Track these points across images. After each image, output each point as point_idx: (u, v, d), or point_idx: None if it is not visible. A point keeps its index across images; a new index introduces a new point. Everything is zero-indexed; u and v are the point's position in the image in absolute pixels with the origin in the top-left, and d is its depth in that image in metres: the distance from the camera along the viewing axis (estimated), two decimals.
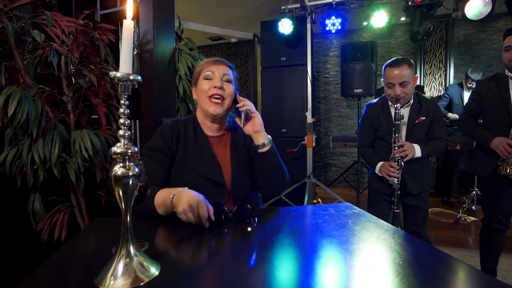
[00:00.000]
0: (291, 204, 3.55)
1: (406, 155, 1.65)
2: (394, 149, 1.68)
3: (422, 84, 4.48)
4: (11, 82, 1.45)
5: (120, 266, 0.56)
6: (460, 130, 3.54)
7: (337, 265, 0.66)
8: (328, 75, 5.08)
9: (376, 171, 1.78)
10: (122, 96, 0.58)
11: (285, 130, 3.92)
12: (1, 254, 1.60)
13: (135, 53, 1.91)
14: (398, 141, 1.69)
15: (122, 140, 0.59)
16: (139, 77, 0.60)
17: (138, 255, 0.59)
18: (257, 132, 1.06)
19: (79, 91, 1.61)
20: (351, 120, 4.94)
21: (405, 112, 1.76)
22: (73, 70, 1.59)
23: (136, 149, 0.60)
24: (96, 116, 1.76)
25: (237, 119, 1.11)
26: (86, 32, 1.58)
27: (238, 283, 0.59)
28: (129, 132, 0.59)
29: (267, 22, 3.97)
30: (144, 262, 0.60)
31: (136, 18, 1.94)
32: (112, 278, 0.55)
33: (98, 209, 1.69)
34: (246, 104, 1.06)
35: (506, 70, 1.82)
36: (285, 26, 3.42)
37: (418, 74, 4.50)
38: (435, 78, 4.49)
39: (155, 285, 0.58)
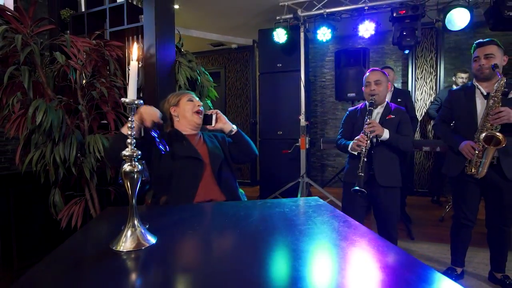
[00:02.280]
0: None
1: (373, 130, 1.84)
2: (365, 126, 1.88)
3: (410, 89, 4.67)
4: (35, 93, 1.70)
5: (129, 234, 0.81)
6: (435, 134, 3.73)
7: (287, 239, 0.89)
8: (324, 79, 5.30)
9: (349, 149, 1.96)
10: (130, 115, 0.82)
11: (281, 132, 4.16)
12: (27, 240, 1.88)
13: (140, 66, 2.16)
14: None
15: (130, 146, 0.83)
16: (142, 101, 0.84)
17: (141, 226, 0.83)
18: (225, 123, 1.59)
19: (91, 100, 1.86)
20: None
21: (378, 110, 2.00)
22: (86, 83, 1.85)
23: (139, 152, 0.84)
24: (105, 121, 2.02)
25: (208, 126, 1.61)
26: (98, 49, 1.83)
27: (215, 254, 0.83)
28: (135, 141, 0.83)
29: (264, 30, 4.20)
30: (145, 233, 0.84)
31: (141, 34, 2.20)
32: (123, 242, 0.79)
33: (108, 202, 1.94)
34: (214, 111, 1.60)
35: (474, 80, 2.02)
36: (280, 36, 3.65)
37: (409, 80, 4.70)
38: (426, 83, 4.68)
39: (152, 249, 0.82)
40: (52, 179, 1.61)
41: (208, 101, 2.43)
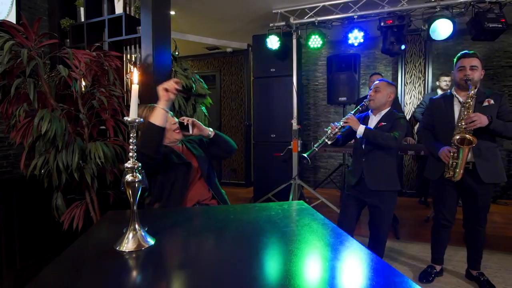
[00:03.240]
0: None
1: (347, 122, 2.03)
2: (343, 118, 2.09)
3: (400, 93, 4.82)
4: (38, 102, 1.81)
5: (130, 236, 0.92)
6: (419, 140, 3.88)
7: (270, 240, 1.02)
8: (317, 83, 5.43)
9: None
10: (132, 132, 0.93)
11: (274, 135, 4.28)
12: (29, 241, 1.98)
13: (132, 69, 2.27)
14: None
15: (131, 159, 0.95)
16: (142, 119, 0.95)
17: (141, 230, 0.95)
18: (202, 130, 1.67)
19: (91, 109, 1.97)
20: None
21: (376, 118, 2.16)
22: (86, 92, 1.96)
23: (140, 164, 0.95)
24: (104, 127, 2.13)
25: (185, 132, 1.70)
26: (98, 60, 1.94)
27: (208, 253, 0.95)
28: (136, 155, 0.95)
29: (258, 36, 4.32)
30: (145, 235, 0.95)
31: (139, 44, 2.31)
32: (126, 242, 0.91)
33: (107, 205, 2.05)
34: (190, 118, 1.67)
35: (454, 89, 2.16)
36: (273, 42, 3.78)
37: (399, 85, 4.85)
38: (415, 87, 4.84)
39: (152, 249, 0.94)
40: (55, 184, 1.72)
41: (203, 107, 2.55)
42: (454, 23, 3.04)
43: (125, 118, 0.93)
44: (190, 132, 1.66)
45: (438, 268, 2.30)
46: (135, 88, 0.93)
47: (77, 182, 1.87)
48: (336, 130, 2.03)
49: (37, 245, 2.14)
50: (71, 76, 1.75)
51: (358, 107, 2.12)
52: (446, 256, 2.38)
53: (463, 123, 1.93)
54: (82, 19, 2.53)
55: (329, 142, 2.06)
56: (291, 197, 3.65)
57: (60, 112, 1.68)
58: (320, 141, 2.03)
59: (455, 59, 2.14)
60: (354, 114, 2.11)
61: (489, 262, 2.48)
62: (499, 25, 2.91)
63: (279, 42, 3.78)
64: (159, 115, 1.38)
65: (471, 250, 2.20)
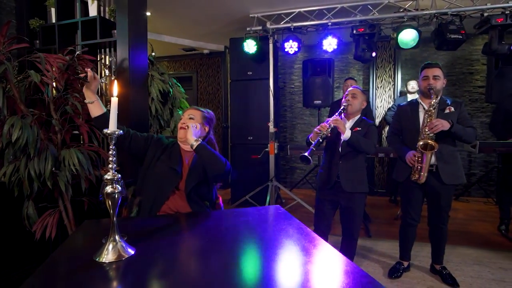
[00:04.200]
0: (255, 205, 3.97)
1: (337, 123, 2.01)
2: (330, 119, 2.07)
3: (371, 97, 5.05)
4: (7, 108, 1.74)
5: (110, 247, 0.94)
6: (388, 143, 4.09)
7: (248, 246, 1.06)
8: (293, 86, 5.55)
9: (309, 138, 2.13)
10: (111, 145, 0.94)
11: (251, 138, 4.34)
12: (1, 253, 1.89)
13: (112, 78, 2.24)
14: None
15: (111, 171, 0.96)
16: (122, 131, 0.97)
17: (121, 241, 0.96)
18: (187, 138, 1.57)
19: (65, 114, 1.92)
20: (314, 127, 5.42)
21: (349, 123, 2.22)
22: (59, 97, 1.90)
23: (119, 176, 0.97)
24: (77, 132, 2.08)
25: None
26: (71, 64, 1.89)
27: (188, 261, 0.98)
28: (115, 166, 0.96)
29: (235, 39, 4.35)
30: (125, 246, 0.97)
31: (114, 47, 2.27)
32: (105, 254, 0.92)
33: (81, 213, 2.00)
34: (189, 121, 1.67)
35: (419, 96, 2.31)
36: (250, 46, 3.83)
37: (371, 89, 5.07)
38: (385, 91, 5.07)
39: (131, 260, 0.95)
40: (26, 193, 1.66)
41: (180, 112, 2.55)
42: (419, 32, 3.23)
43: (105, 130, 0.94)
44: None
45: (405, 264, 2.45)
46: (114, 101, 0.94)
47: (49, 190, 1.82)
48: (328, 129, 2.01)
49: (9, 257, 2.05)
50: (43, 81, 1.70)
51: (341, 110, 2.16)
52: (413, 252, 2.54)
53: (427, 129, 2.08)
54: (53, 20, 2.44)
55: (321, 140, 2.03)
56: (268, 199, 3.72)
57: (31, 119, 1.63)
58: (316, 142, 2.00)
59: (420, 69, 2.29)
60: (337, 114, 2.11)
61: (451, 256, 2.67)
62: (460, 36, 3.13)
63: (256, 46, 3.84)
64: (91, 109, 1.55)
65: (435, 246, 2.37)
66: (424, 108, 2.21)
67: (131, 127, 1.69)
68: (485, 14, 3.23)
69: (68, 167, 1.69)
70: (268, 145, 3.90)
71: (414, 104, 2.31)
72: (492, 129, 3.34)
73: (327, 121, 2.06)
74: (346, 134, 2.05)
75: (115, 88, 0.96)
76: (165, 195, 1.57)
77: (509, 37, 3.84)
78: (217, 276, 0.85)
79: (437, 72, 2.16)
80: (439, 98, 2.14)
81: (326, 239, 2.29)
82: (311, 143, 2.08)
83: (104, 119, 1.52)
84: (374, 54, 3.46)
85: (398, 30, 3.31)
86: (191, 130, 1.59)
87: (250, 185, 4.11)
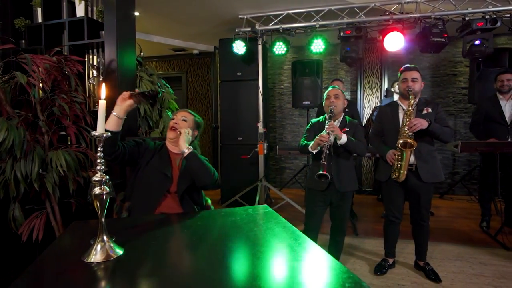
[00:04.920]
0: (245, 205, 4.00)
1: (334, 131, 2.06)
2: (326, 127, 2.11)
3: (359, 98, 5.14)
4: None
5: (99, 247, 0.95)
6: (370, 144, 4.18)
7: (235, 245, 1.09)
8: (282, 86, 5.60)
9: (309, 148, 2.17)
10: (99, 147, 0.96)
11: (241, 138, 4.36)
12: None
13: (100, 79, 2.23)
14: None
15: (99, 172, 0.97)
16: (109, 134, 0.98)
17: (109, 241, 0.98)
18: (179, 144, 1.60)
19: (52, 115, 1.91)
20: (303, 127, 5.49)
21: (336, 123, 2.26)
22: (46, 98, 1.89)
23: (108, 177, 0.98)
24: (65, 133, 2.07)
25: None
26: (58, 65, 1.89)
27: (176, 260, 1.00)
28: (103, 168, 0.98)
29: (225, 40, 4.37)
30: (113, 246, 0.98)
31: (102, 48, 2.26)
32: (93, 254, 0.94)
33: (69, 215, 1.99)
34: (181, 127, 1.67)
35: (398, 98, 2.39)
36: (239, 47, 3.85)
37: (358, 89, 5.16)
38: (372, 92, 5.17)
39: (120, 259, 0.97)
40: (12, 195, 1.65)
41: (169, 113, 2.55)
42: (403, 36, 3.32)
43: (93, 132, 0.96)
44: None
45: (390, 261, 2.52)
46: (102, 104, 0.95)
47: (36, 191, 1.81)
48: (330, 138, 2.06)
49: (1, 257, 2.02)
50: (29, 83, 1.69)
51: (331, 115, 2.19)
52: (398, 249, 2.62)
53: (406, 129, 2.15)
54: (39, 20, 2.41)
55: (327, 152, 2.08)
56: (257, 199, 3.75)
57: (17, 120, 1.62)
58: (324, 155, 2.04)
59: (399, 73, 2.36)
60: (330, 120, 2.15)
61: (434, 253, 2.76)
62: (442, 40, 3.24)
63: (245, 47, 3.87)
64: (111, 122, 1.48)
65: (418, 243, 2.44)
66: (403, 109, 2.28)
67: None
68: (467, 18, 3.34)
69: (55, 168, 1.68)
70: (258, 145, 3.93)
71: (394, 105, 2.39)
72: (472, 130, 3.45)
73: (325, 130, 2.09)
74: (343, 139, 2.11)
75: (103, 91, 0.97)
76: (156, 199, 1.57)
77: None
78: (206, 275, 0.88)
79: (415, 74, 2.24)
80: (417, 99, 2.23)
81: (316, 237, 2.35)
82: (311, 152, 2.16)
83: (113, 136, 1.46)
84: (360, 56, 3.53)
85: (383, 32, 3.39)
86: (183, 136, 1.60)
87: (240, 186, 4.14)
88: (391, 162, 2.26)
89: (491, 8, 3.26)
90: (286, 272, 0.88)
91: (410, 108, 2.18)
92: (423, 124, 2.10)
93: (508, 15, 3.33)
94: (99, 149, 0.97)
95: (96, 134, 0.95)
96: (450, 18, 3.43)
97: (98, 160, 0.97)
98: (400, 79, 2.31)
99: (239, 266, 0.94)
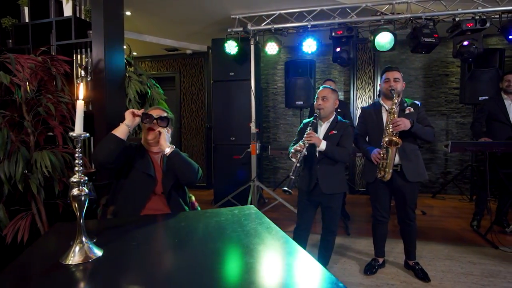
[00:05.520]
0: (238, 205, 3.99)
1: (310, 139, 2.06)
2: (304, 136, 2.11)
3: (352, 98, 5.16)
4: None
5: (77, 249, 0.94)
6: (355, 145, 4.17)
7: (216, 245, 1.09)
8: (276, 87, 5.60)
9: (289, 156, 2.17)
10: (77, 147, 0.95)
11: (233, 138, 4.36)
12: None
13: (88, 79, 2.21)
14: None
15: (77, 173, 0.96)
16: (88, 134, 0.98)
17: (88, 242, 0.97)
18: (161, 144, 1.59)
19: (38, 115, 1.89)
20: (297, 127, 5.47)
21: (325, 125, 2.27)
22: (32, 98, 1.87)
23: (86, 178, 0.97)
24: (52, 134, 2.05)
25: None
26: (44, 65, 1.87)
27: (155, 261, 0.99)
28: (82, 169, 0.97)
29: (217, 40, 4.36)
30: (92, 247, 0.98)
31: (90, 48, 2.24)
32: (72, 256, 0.93)
33: (56, 216, 1.98)
34: (161, 128, 1.62)
35: (381, 98, 2.40)
36: (231, 47, 3.85)
37: (351, 90, 5.18)
38: (365, 92, 5.19)
39: (99, 260, 0.96)
40: None
41: None
42: (395, 35, 3.34)
43: (71, 133, 0.95)
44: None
45: (380, 260, 2.53)
46: (80, 104, 0.94)
47: (21, 193, 1.79)
48: (303, 149, 2.06)
49: None
50: (13, 82, 1.67)
51: (313, 120, 2.19)
52: (388, 248, 2.63)
53: (390, 127, 2.17)
54: (27, 20, 2.39)
55: (298, 164, 2.08)
56: (249, 199, 3.75)
57: (1, 120, 1.60)
58: (293, 169, 2.04)
59: (381, 72, 2.38)
60: (311, 128, 2.14)
61: (424, 252, 2.78)
62: (433, 40, 3.25)
63: (237, 47, 3.86)
64: (122, 130, 1.51)
65: (406, 242, 2.46)
66: (386, 109, 2.29)
67: (106, 128, 1.69)
68: (457, 19, 3.37)
69: (40, 169, 1.66)
70: (250, 145, 3.93)
71: (377, 105, 2.40)
72: (472, 128, 3.47)
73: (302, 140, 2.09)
74: (321, 147, 2.11)
75: (81, 91, 0.96)
76: (142, 201, 1.56)
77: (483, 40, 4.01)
78: (182, 277, 0.87)
79: (397, 75, 2.27)
80: (400, 98, 2.24)
81: (307, 236, 2.35)
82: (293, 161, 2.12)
83: (121, 145, 1.50)
84: (352, 56, 3.54)
85: (375, 33, 3.40)
86: (164, 135, 1.59)
87: (233, 186, 4.13)
88: (376, 162, 2.27)
89: (480, 9, 3.29)
90: (262, 272, 0.88)
91: (394, 107, 2.20)
92: (406, 124, 2.12)
93: (497, 16, 3.36)
94: (77, 149, 0.96)
95: (74, 134, 0.94)
96: (441, 19, 3.45)
97: (76, 161, 0.96)
98: (382, 79, 2.34)
99: (217, 267, 0.94)
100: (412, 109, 2.27)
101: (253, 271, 0.89)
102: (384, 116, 2.31)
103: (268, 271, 0.89)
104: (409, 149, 2.26)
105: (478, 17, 3.26)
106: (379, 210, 2.41)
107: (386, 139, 2.18)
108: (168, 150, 1.56)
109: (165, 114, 1.68)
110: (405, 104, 2.31)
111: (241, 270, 0.91)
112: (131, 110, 1.56)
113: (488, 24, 3.18)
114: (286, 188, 2.02)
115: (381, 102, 2.37)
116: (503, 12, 3.30)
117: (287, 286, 0.82)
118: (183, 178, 1.60)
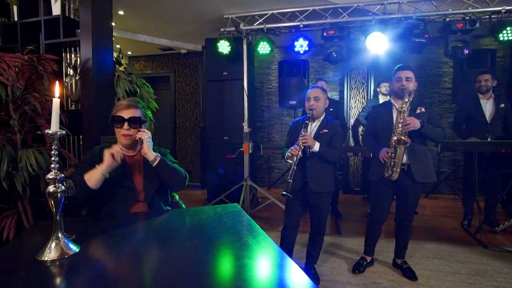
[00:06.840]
0: None
1: (306, 142, 2.08)
2: (299, 138, 2.12)
3: (346, 98, 5.18)
4: None
5: (53, 245, 0.95)
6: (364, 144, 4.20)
7: (192, 243, 1.10)
8: (271, 86, 5.61)
9: (285, 158, 2.18)
10: (53, 145, 0.95)
11: (227, 138, 4.37)
12: None
13: (77, 78, 2.22)
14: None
15: (53, 170, 0.97)
16: (64, 132, 0.98)
17: (64, 238, 0.98)
18: (145, 154, 1.48)
19: (25, 114, 1.89)
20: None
21: (315, 123, 2.27)
22: (19, 97, 1.88)
23: (62, 176, 0.98)
24: (40, 132, 2.05)
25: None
26: (31, 64, 1.87)
27: (130, 258, 1.00)
28: (58, 166, 0.98)
29: (211, 40, 4.36)
30: (68, 243, 0.98)
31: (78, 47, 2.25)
32: (47, 252, 0.94)
33: (43, 213, 1.98)
34: (140, 134, 1.48)
35: (392, 97, 2.38)
36: (223, 47, 3.86)
37: (345, 90, 5.20)
38: (359, 92, 5.21)
39: (75, 257, 0.97)
40: None
41: (149, 112, 2.55)
42: (386, 36, 3.35)
43: (46, 130, 0.96)
44: (138, 147, 1.54)
45: (368, 259, 2.54)
46: (56, 102, 0.95)
47: (8, 191, 1.79)
48: (299, 152, 2.08)
49: None
50: None
51: (306, 120, 2.19)
52: (380, 248, 2.63)
53: (400, 126, 2.16)
54: (16, 18, 2.39)
55: (295, 167, 2.08)
56: (242, 198, 3.76)
57: None
58: (290, 172, 2.06)
59: (393, 71, 2.36)
60: (305, 130, 2.15)
61: (414, 251, 2.79)
62: (423, 40, 3.28)
63: (230, 46, 3.87)
64: (94, 178, 1.34)
65: (399, 241, 2.46)
66: (397, 109, 2.28)
67: (94, 128, 1.69)
68: (447, 19, 3.39)
69: (25, 167, 1.67)
70: (243, 145, 3.94)
71: (388, 105, 2.38)
72: (454, 129, 3.51)
73: (297, 143, 2.09)
74: (315, 148, 2.13)
75: (57, 89, 0.97)
76: (125, 210, 1.47)
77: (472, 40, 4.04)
78: (155, 274, 0.88)
79: (409, 74, 2.25)
80: (411, 98, 2.22)
81: (295, 235, 2.36)
82: (289, 162, 2.13)
83: (91, 193, 1.36)
84: (344, 55, 3.56)
85: (366, 33, 3.42)
86: (147, 143, 1.45)
87: (226, 185, 4.14)
88: (384, 161, 2.27)
89: (470, 10, 3.31)
90: (235, 269, 0.89)
91: (404, 106, 2.17)
92: (416, 125, 2.10)
93: (487, 16, 3.38)
94: (53, 147, 0.97)
95: (50, 132, 0.95)
96: (432, 19, 3.47)
97: (53, 158, 0.97)
98: (394, 78, 2.31)
99: (192, 264, 0.95)
100: (423, 109, 2.24)
101: (226, 268, 0.91)
102: (394, 115, 2.28)
103: (242, 268, 0.90)
104: (418, 149, 2.23)
105: (468, 18, 3.28)
106: (378, 210, 2.40)
107: (395, 138, 2.16)
108: (152, 159, 1.46)
109: (138, 112, 1.49)
110: (417, 104, 2.26)
111: (215, 266, 0.92)
112: (111, 151, 1.35)
113: (477, 25, 3.20)
114: (285, 192, 2.03)
115: (392, 101, 2.35)
116: (493, 12, 3.32)
117: (252, 281, 0.83)
118: (170, 186, 1.55)
